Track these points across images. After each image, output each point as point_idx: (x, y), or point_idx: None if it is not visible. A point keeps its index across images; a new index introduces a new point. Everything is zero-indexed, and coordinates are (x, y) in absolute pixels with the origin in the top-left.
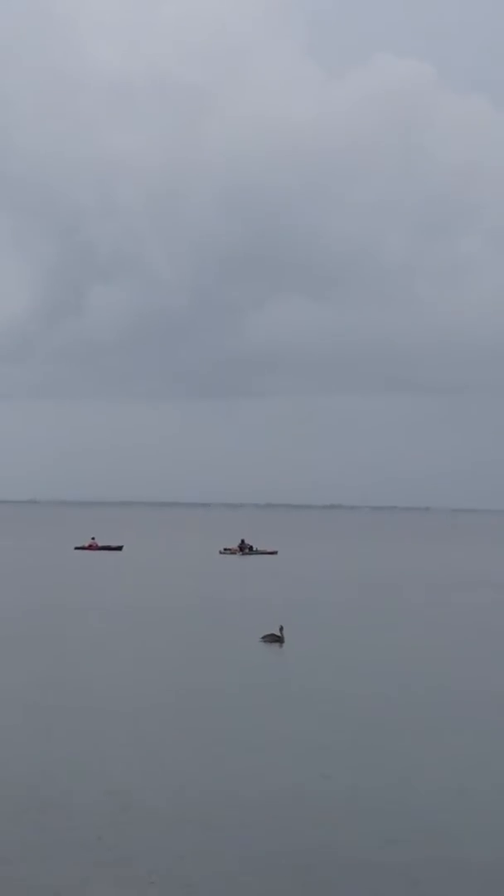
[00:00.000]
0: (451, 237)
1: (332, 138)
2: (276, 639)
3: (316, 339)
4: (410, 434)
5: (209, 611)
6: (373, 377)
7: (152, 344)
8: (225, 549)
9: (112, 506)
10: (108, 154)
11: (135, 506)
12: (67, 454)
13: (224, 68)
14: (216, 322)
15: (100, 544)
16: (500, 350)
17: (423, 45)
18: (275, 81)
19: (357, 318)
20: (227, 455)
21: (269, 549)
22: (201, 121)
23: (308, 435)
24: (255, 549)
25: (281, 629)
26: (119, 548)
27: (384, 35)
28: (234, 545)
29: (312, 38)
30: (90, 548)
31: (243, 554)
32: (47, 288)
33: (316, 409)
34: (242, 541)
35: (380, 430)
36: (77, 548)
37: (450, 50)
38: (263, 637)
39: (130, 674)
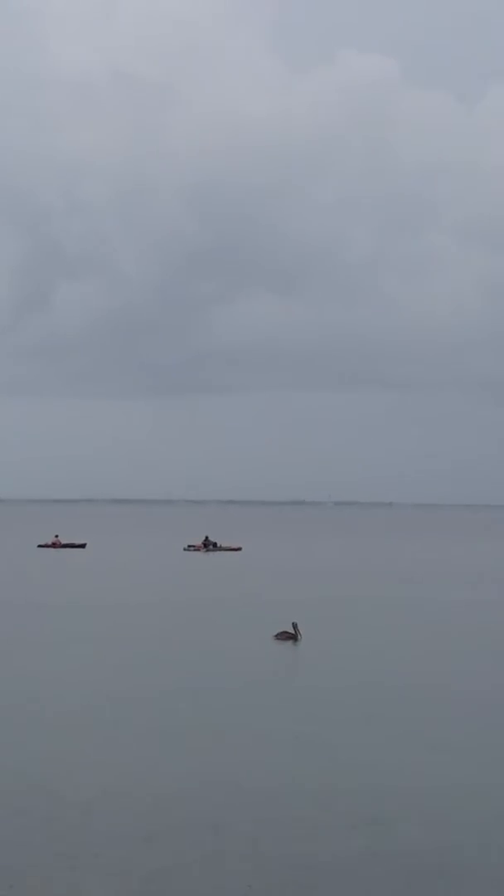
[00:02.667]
0: (416, 233)
1: (297, 134)
2: (290, 636)
3: (282, 336)
4: (374, 430)
5: (198, 609)
6: (338, 373)
7: (118, 341)
8: (189, 546)
9: (76, 503)
10: (72, 151)
11: (99, 503)
12: (31, 451)
13: (187, 64)
14: (182, 319)
15: (63, 542)
16: (464, 346)
17: (386, 41)
18: (239, 78)
19: (322, 314)
20: (191, 451)
21: (233, 546)
22: (165, 117)
23: (272, 431)
24: (218, 545)
25: (295, 626)
26: (83, 545)
27: (348, 31)
28: (199, 542)
29: (276, 35)
30: (53, 545)
31: (207, 550)
32: (13, 286)
33: (281, 405)
34: (206, 537)
35: (344, 425)
36: (40, 545)
37: (413, 46)
38: (277, 635)
39: (143, 675)
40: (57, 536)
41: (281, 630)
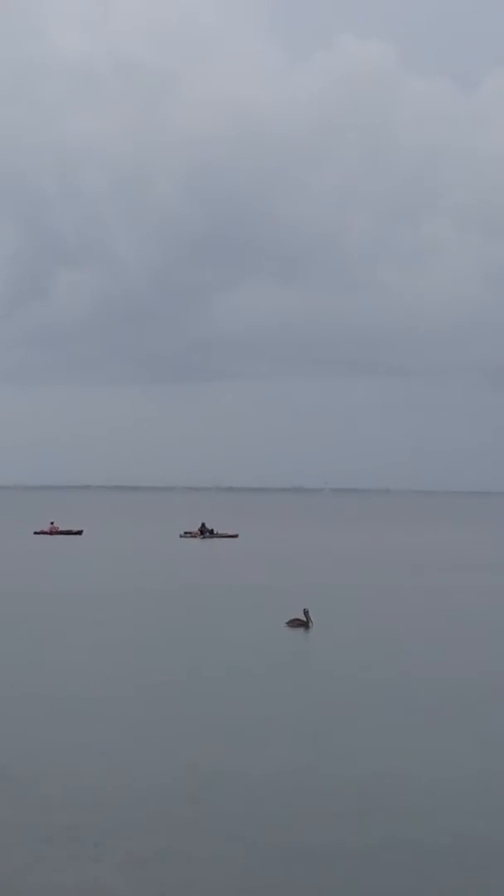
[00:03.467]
0: (416, 221)
1: (296, 121)
2: (301, 623)
3: (281, 323)
4: (373, 417)
5: (202, 596)
6: (338, 361)
7: (118, 328)
8: (185, 533)
9: (73, 490)
10: (71, 139)
11: (96, 490)
12: (30, 438)
13: (187, 52)
14: (181, 306)
15: (60, 528)
16: (463, 332)
17: (385, 27)
18: (239, 64)
19: (322, 301)
20: (189, 439)
21: (229, 533)
22: (165, 104)
23: (270, 418)
24: (215, 532)
25: (306, 613)
26: (79, 532)
27: (347, 17)
28: (195, 529)
29: (275, 21)
30: (50, 532)
31: (203, 537)
32: (11, 274)
33: (279, 392)
34: (203, 524)
35: (342, 412)
36: (36, 532)
37: (412, 32)
38: (289, 622)
39: (156, 662)
40: (53, 523)
41: (293, 617)
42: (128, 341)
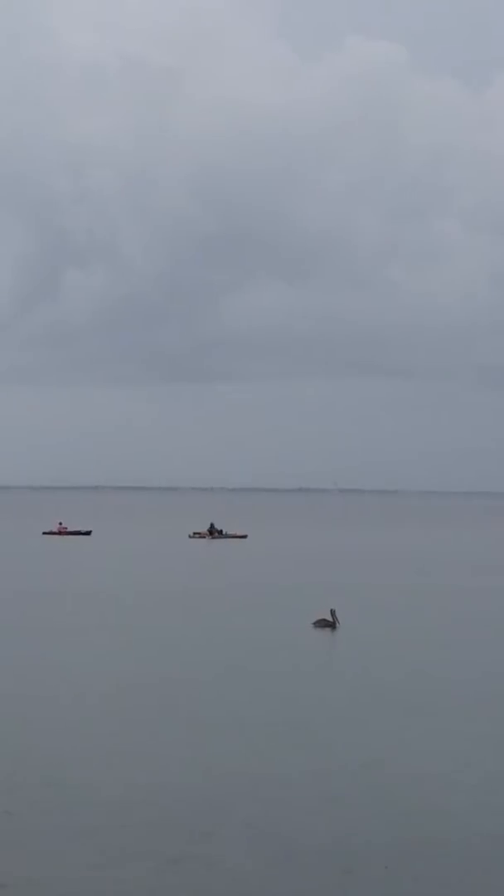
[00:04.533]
0: (425, 220)
1: (305, 121)
2: (328, 623)
3: (290, 323)
4: (381, 417)
5: (220, 596)
6: (346, 361)
7: (127, 328)
8: (194, 534)
9: (83, 490)
10: (80, 139)
11: (105, 490)
12: (38, 439)
13: (196, 51)
14: (189, 306)
15: (68, 529)
16: (471, 333)
17: (394, 27)
18: (247, 64)
19: (331, 301)
20: (198, 439)
21: (238, 533)
22: (173, 104)
23: (279, 418)
24: (224, 532)
25: (333, 613)
26: (88, 532)
27: (355, 18)
28: (204, 529)
29: (284, 21)
30: (59, 533)
31: (213, 538)
32: (21, 273)
33: (288, 392)
34: (212, 524)
35: (351, 412)
36: (45, 533)
37: (421, 33)
38: (315, 622)
39: (190, 661)
40: (62, 523)
41: (319, 617)
42: (136, 341)
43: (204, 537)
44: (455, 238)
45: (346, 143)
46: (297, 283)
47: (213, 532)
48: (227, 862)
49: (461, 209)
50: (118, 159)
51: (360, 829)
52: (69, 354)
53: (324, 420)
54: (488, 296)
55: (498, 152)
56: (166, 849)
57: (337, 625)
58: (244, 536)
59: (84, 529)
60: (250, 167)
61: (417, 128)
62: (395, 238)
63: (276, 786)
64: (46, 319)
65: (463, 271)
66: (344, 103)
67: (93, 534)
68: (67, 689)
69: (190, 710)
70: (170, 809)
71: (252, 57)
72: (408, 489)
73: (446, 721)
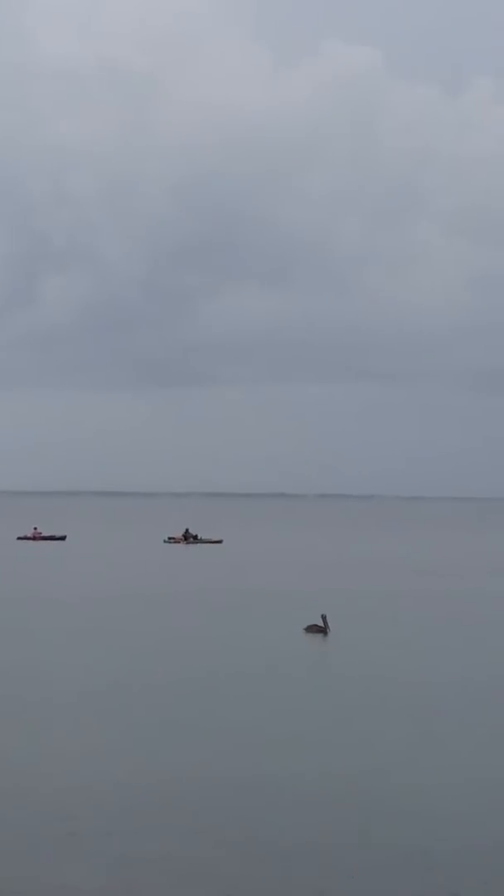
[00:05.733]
0: (403, 226)
1: (284, 126)
2: (320, 629)
3: (270, 328)
4: (360, 422)
5: (205, 601)
6: (326, 365)
7: (106, 333)
8: (169, 539)
9: (57, 495)
10: (59, 143)
11: (80, 495)
12: (15, 443)
13: (174, 56)
14: (170, 311)
15: (43, 534)
16: (450, 337)
17: (371, 32)
18: (226, 69)
19: (312, 306)
20: (176, 444)
21: (213, 539)
22: (152, 109)
23: (257, 423)
24: (199, 537)
25: (324, 618)
26: (62, 537)
27: (332, 22)
28: (179, 534)
29: (263, 26)
30: (33, 538)
31: (188, 543)
32: (0, 278)
33: (268, 397)
34: (187, 530)
35: (328, 418)
36: (20, 538)
37: (398, 37)
38: (307, 628)
39: (183, 667)
40: (36, 528)
41: (311, 623)
42: (116, 346)
43: (179, 542)
44: (434, 242)
45: (323, 147)
46: (277, 287)
47: (188, 537)
48: (208, 864)
49: (440, 213)
50: (98, 163)
51: (337, 833)
52: (48, 359)
53: (302, 425)
54: (467, 300)
55: (475, 156)
56: (146, 851)
57: (328, 630)
58: (219, 542)
59: (58, 534)
60: (229, 171)
61: (395, 133)
62: (374, 242)
63: (264, 790)
64: (26, 323)
65: (442, 275)
66: (321, 108)
67: (67, 539)
68: (45, 694)
69: (178, 714)
70: (151, 812)
71: (230, 61)
72: (387, 494)
73: (440, 726)
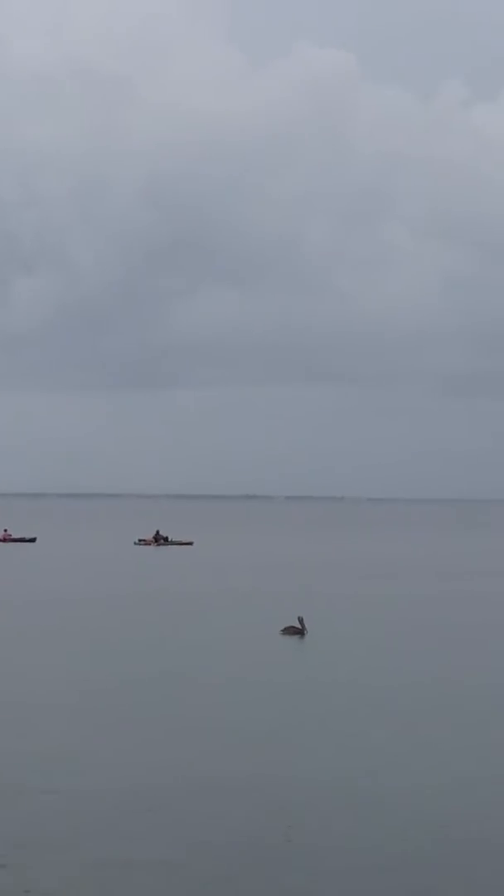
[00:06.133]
0: (373, 228)
1: (255, 128)
2: (296, 631)
3: (240, 330)
4: (328, 424)
5: (178, 603)
6: (295, 367)
7: (76, 335)
8: (140, 540)
9: (26, 497)
10: (29, 145)
11: (49, 497)
12: None
13: (146, 59)
14: (139, 313)
15: (13, 536)
16: (419, 339)
17: (343, 34)
18: (198, 71)
19: (281, 308)
20: (145, 445)
21: (184, 540)
22: (123, 111)
23: (226, 425)
24: (169, 539)
25: (301, 620)
26: (32, 539)
27: (304, 25)
28: (149, 536)
29: (235, 28)
30: (3, 540)
31: (158, 545)
32: None
33: (236, 399)
34: (157, 531)
35: (299, 419)
36: None
37: (370, 40)
38: (283, 629)
39: (151, 667)
40: (6, 531)
41: (287, 625)
42: (85, 348)
43: (149, 544)
44: (404, 245)
45: (295, 149)
46: (246, 289)
47: (159, 539)
48: (182, 866)
49: (410, 216)
50: (68, 165)
51: (312, 833)
52: (17, 360)
53: (272, 426)
54: (437, 303)
55: (446, 160)
56: (118, 854)
57: (305, 632)
58: (190, 543)
59: (28, 536)
60: (200, 174)
61: (366, 135)
62: (345, 245)
63: (239, 791)
64: None
65: (412, 279)
66: (292, 110)
67: (37, 541)
68: (13, 696)
69: (153, 715)
70: (122, 814)
71: (202, 63)
72: (355, 496)
73: (420, 727)
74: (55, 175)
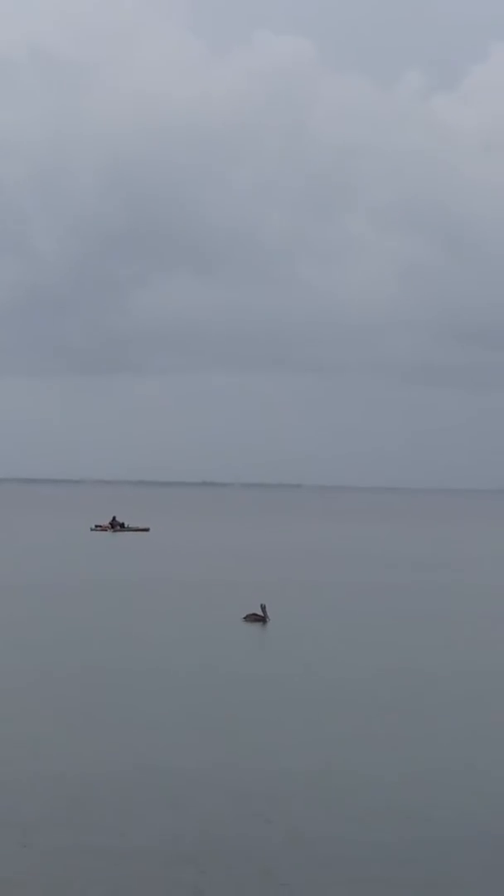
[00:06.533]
0: (333, 217)
1: (215, 116)
2: (258, 618)
3: (198, 318)
4: (286, 412)
5: (137, 589)
6: (253, 356)
7: (34, 320)
8: (96, 526)
9: None
10: None
11: (5, 482)
12: None
13: (108, 45)
14: (98, 299)
15: None
16: (379, 329)
17: (303, 23)
18: (158, 59)
19: (240, 296)
20: (102, 431)
21: (140, 527)
22: (84, 97)
23: (185, 412)
24: (126, 525)
25: (263, 608)
26: None
27: (264, 13)
28: (106, 522)
29: (195, 15)
30: None
31: (115, 531)
32: None
33: (194, 387)
34: (114, 518)
35: (256, 407)
36: None
37: (330, 28)
38: (246, 617)
39: (119, 655)
40: None
41: (250, 612)
42: (44, 333)
43: (106, 530)
44: (364, 235)
45: (254, 137)
46: (205, 277)
47: (115, 525)
48: (147, 855)
49: (369, 206)
50: (28, 151)
51: (277, 823)
52: None
53: (229, 414)
54: (396, 293)
55: (406, 149)
56: (80, 842)
57: (267, 619)
58: (146, 530)
59: None
60: (160, 161)
61: (326, 124)
62: (303, 234)
63: (189, 781)
64: None
65: (371, 268)
66: (252, 98)
67: None
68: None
69: (117, 703)
70: (84, 802)
71: (163, 50)
72: (311, 484)
73: (381, 714)
74: (15, 161)
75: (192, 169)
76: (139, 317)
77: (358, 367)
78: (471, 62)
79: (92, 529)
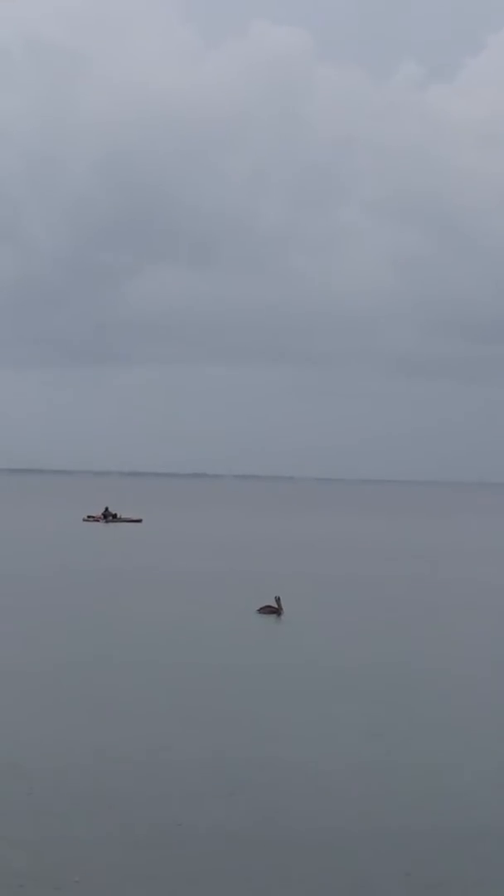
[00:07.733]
0: (327, 208)
1: (210, 106)
2: (273, 610)
3: (191, 308)
4: (279, 403)
5: (139, 580)
6: (246, 346)
7: (27, 310)
8: (89, 517)
9: None
10: None
11: None
12: None
13: (102, 34)
14: (91, 289)
15: None
16: (372, 320)
17: (299, 13)
18: (152, 48)
19: (233, 287)
20: (95, 422)
21: (133, 517)
22: (78, 86)
23: (178, 403)
24: (118, 516)
25: (278, 600)
26: None
27: (261, 3)
28: (98, 513)
29: (191, 5)
30: None
31: (107, 522)
32: None
33: (188, 377)
34: (106, 508)
35: (250, 398)
36: None
37: (326, 19)
38: (260, 609)
39: (129, 650)
40: None
41: (265, 604)
42: (37, 323)
43: (98, 521)
44: (358, 225)
45: (249, 128)
46: (199, 267)
47: (108, 516)
48: (144, 847)
49: (364, 196)
50: (21, 141)
51: (286, 815)
52: None
53: (222, 405)
54: (390, 284)
55: (401, 141)
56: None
57: (282, 612)
58: (139, 521)
59: None
60: (154, 151)
61: (321, 115)
62: (297, 225)
63: (221, 772)
64: None
65: (365, 259)
66: (248, 89)
67: None
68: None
69: (134, 694)
70: (90, 793)
71: (158, 40)
72: (304, 476)
73: (397, 706)
74: (8, 149)
75: (186, 159)
76: (133, 307)
77: (352, 358)
78: (467, 54)
79: (84, 520)
